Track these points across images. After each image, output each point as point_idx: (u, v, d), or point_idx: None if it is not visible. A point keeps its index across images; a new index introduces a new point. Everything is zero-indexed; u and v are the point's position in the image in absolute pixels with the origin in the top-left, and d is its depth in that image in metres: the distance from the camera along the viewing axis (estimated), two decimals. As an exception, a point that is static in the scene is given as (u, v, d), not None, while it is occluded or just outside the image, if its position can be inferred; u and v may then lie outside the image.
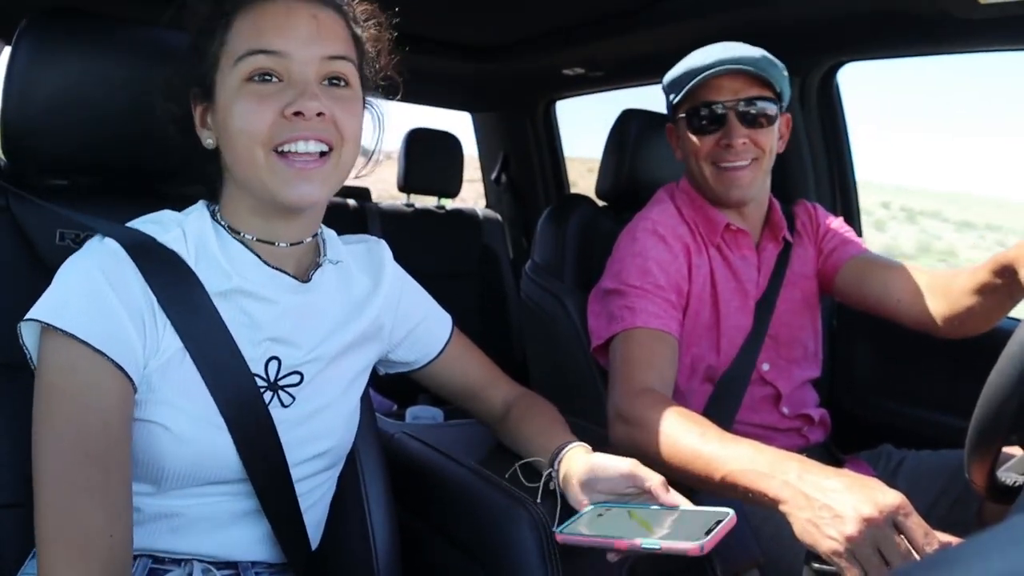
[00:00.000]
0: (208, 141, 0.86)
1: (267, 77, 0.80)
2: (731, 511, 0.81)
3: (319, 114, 0.80)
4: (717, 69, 1.28)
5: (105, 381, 0.76)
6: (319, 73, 0.82)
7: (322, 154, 0.82)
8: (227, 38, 0.81)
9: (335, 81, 0.83)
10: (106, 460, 0.74)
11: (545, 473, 0.97)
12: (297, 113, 0.79)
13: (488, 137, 3.20)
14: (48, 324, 0.75)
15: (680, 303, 1.34)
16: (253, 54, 0.79)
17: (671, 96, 1.37)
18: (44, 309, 0.76)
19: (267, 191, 0.82)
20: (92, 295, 0.77)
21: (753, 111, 1.31)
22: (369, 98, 0.93)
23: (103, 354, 0.75)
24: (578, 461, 0.93)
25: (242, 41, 0.80)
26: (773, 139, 1.35)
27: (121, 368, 0.76)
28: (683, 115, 1.35)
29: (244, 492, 0.87)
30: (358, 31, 0.89)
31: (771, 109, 1.32)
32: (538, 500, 0.93)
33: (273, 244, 0.88)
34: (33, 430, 0.75)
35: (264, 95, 0.79)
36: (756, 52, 1.30)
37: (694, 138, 1.34)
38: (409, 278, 1.08)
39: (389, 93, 0.95)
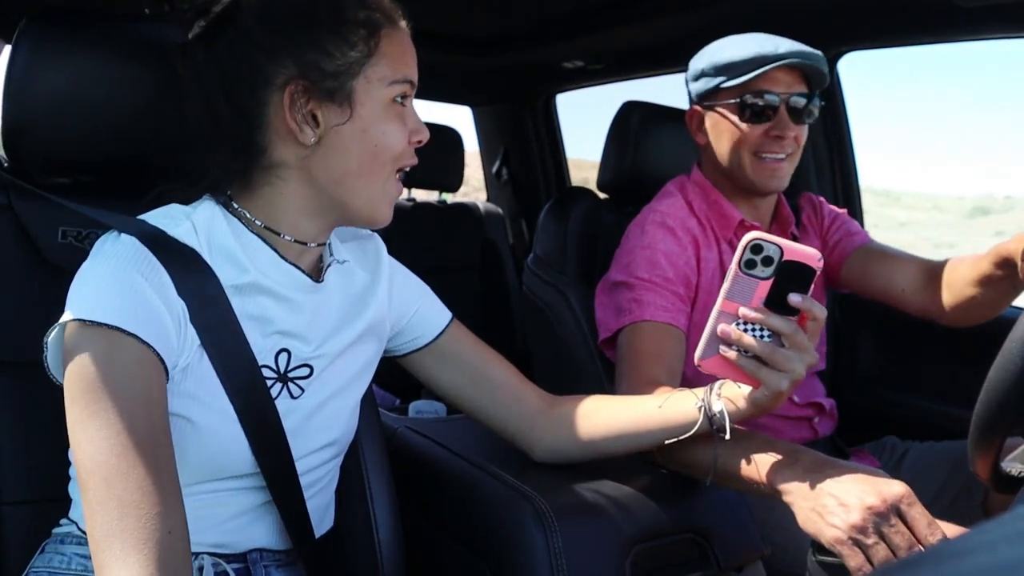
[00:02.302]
0: (312, 139, 0.84)
1: (401, 100, 0.87)
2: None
3: None
4: (789, 60, 1.27)
5: (147, 370, 0.75)
6: None
7: None
8: (376, 55, 0.84)
9: None
10: (155, 452, 0.72)
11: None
12: (419, 141, 0.89)
13: (488, 131, 3.19)
14: (86, 320, 0.73)
15: (688, 296, 1.34)
16: (404, 82, 0.86)
17: (720, 80, 1.33)
18: (75, 310, 0.74)
19: (373, 202, 0.88)
20: (126, 286, 0.76)
21: (801, 107, 1.32)
22: None
23: (145, 343, 0.74)
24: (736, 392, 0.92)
25: (394, 65, 0.85)
26: (806, 138, 1.36)
27: (160, 357, 0.76)
28: (733, 100, 1.32)
29: (255, 485, 0.88)
30: None
31: (814, 108, 1.34)
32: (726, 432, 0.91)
33: (306, 244, 0.89)
34: (75, 429, 0.72)
35: (403, 118, 0.87)
36: (815, 50, 1.30)
37: (742, 125, 1.32)
38: (402, 268, 1.07)
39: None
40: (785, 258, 0.81)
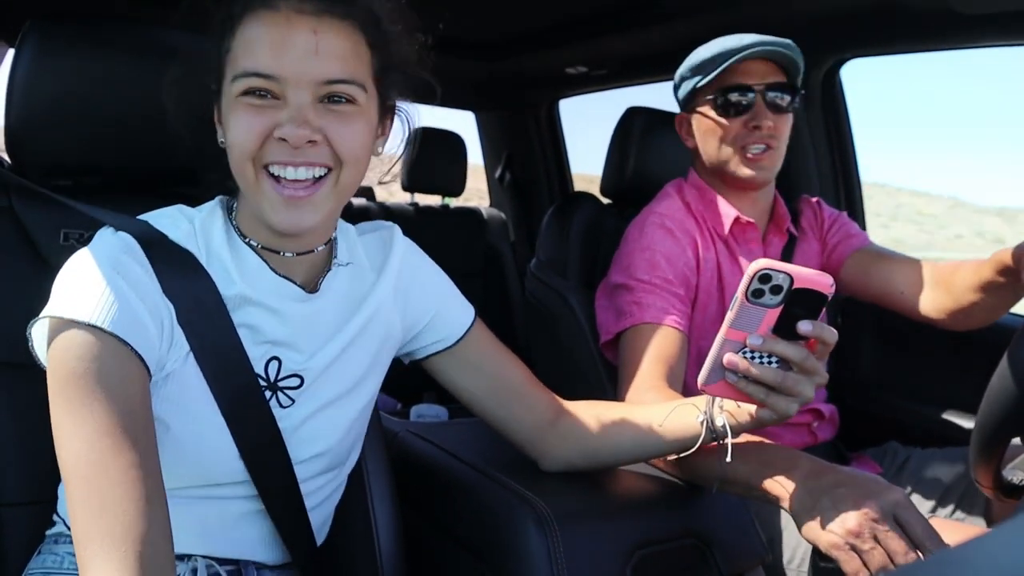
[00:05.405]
0: (221, 140, 0.84)
1: (263, 93, 0.77)
2: None
3: (310, 141, 0.77)
4: (756, 50, 1.28)
5: (127, 367, 0.73)
6: (316, 95, 0.78)
7: (317, 178, 0.80)
8: (232, 45, 0.79)
9: (337, 99, 0.79)
10: (135, 449, 0.70)
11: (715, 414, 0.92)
12: (282, 138, 0.77)
13: (492, 136, 3.20)
14: (64, 318, 0.72)
15: (688, 297, 1.34)
16: (247, 76, 0.77)
17: (696, 80, 1.35)
18: (57, 305, 0.74)
19: (261, 213, 0.80)
20: (105, 284, 0.75)
21: (778, 97, 1.32)
22: (399, 102, 0.92)
23: (124, 342, 0.73)
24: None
25: (240, 56, 0.78)
26: (788, 128, 1.36)
27: (140, 355, 0.74)
28: (710, 97, 1.35)
29: (248, 494, 0.87)
30: (376, 37, 0.85)
31: (792, 98, 1.34)
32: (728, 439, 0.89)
33: (278, 253, 0.86)
34: (57, 426, 0.71)
35: (259, 109, 0.77)
36: (782, 40, 1.31)
37: (721, 120, 1.34)
38: (424, 266, 1.03)
39: (425, 97, 0.95)
40: (796, 286, 0.79)
